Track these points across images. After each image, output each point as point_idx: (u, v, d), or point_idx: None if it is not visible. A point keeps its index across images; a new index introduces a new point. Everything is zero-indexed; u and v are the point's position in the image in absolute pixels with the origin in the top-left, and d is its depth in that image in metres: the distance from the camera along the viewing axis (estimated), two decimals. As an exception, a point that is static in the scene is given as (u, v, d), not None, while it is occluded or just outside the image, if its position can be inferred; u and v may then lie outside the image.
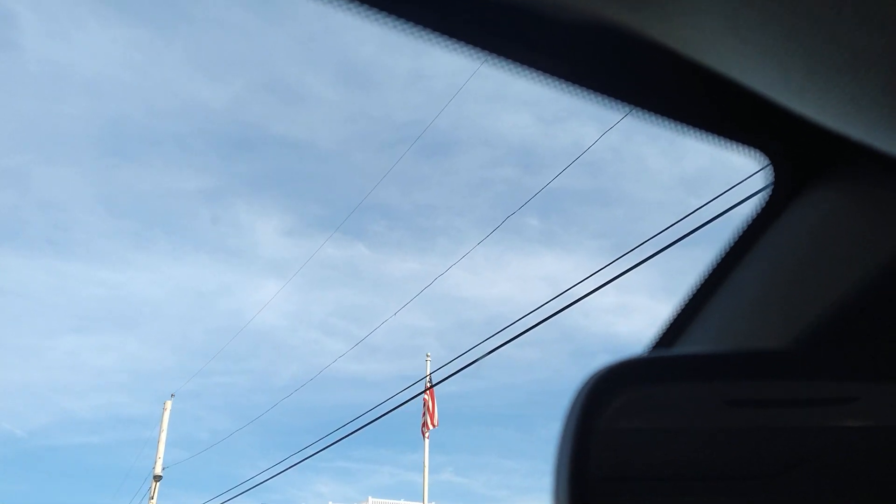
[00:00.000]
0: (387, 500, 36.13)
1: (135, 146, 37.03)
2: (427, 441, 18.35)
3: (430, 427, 18.06)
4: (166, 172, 36.51)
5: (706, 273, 0.98)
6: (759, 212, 0.93)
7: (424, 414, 18.18)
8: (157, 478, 26.37)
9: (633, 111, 0.83)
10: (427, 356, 18.52)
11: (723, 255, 0.96)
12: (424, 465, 18.11)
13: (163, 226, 39.49)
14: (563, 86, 0.79)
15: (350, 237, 38.43)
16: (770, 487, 0.68)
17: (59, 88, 35.21)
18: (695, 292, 0.99)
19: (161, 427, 27.44)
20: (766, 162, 0.91)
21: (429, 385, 16.83)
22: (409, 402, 11.68)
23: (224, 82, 34.73)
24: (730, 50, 0.65)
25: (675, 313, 1.00)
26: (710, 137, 0.87)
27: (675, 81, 0.80)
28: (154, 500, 26.33)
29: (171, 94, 34.38)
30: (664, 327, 1.01)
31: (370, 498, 35.38)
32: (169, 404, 27.68)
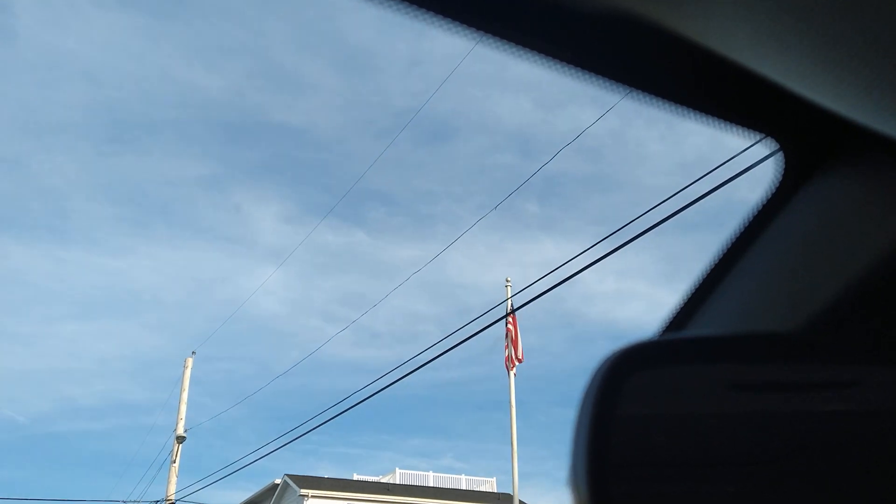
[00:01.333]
0: (414, 472, 34.24)
1: (133, 133, 36.63)
2: (513, 377, 16.15)
3: (516, 362, 15.89)
4: (165, 160, 35.89)
5: (716, 257, 0.99)
6: (768, 197, 0.94)
7: (508, 346, 16.05)
8: (181, 439, 24.30)
9: (645, 98, 0.83)
10: (507, 281, 16.44)
11: (732, 240, 0.97)
12: (511, 406, 15.82)
13: (162, 213, 39.04)
14: (574, 72, 0.79)
15: (350, 224, 38.16)
16: (780, 470, 0.69)
17: (57, 76, 34.29)
18: (705, 276, 1.00)
19: (182, 386, 25.44)
20: (777, 148, 0.91)
21: (510, 310, 14.65)
22: (472, 337, 9.67)
23: (222, 69, 33.96)
24: (743, 38, 0.66)
25: (684, 297, 1.01)
26: (721, 124, 0.87)
27: (686, 68, 0.81)
28: (176, 464, 24.25)
29: (170, 81, 33.57)
30: (674, 311, 1.01)
31: (397, 469, 33.52)
32: (190, 362, 25.65)
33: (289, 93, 36.44)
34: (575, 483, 0.66)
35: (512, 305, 14.70)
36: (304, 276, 37.90)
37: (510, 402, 15.92)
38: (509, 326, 15.81)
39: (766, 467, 0.69)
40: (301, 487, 29.75)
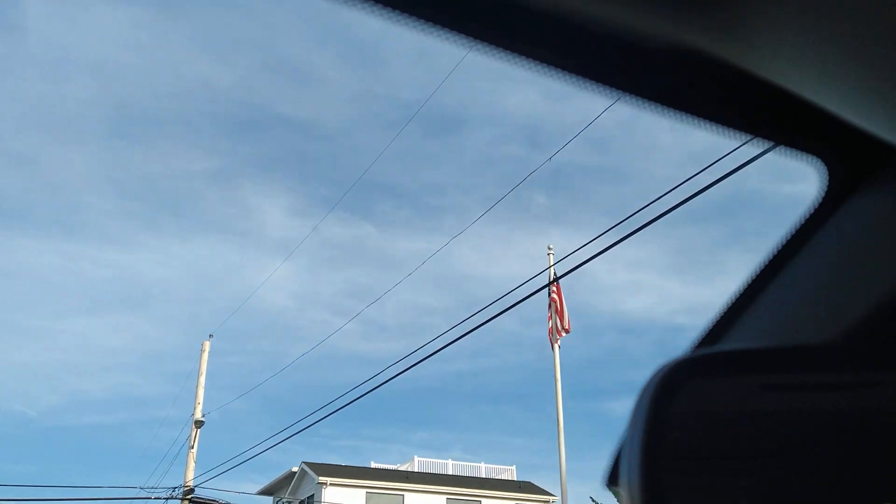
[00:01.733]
0: (433, 460, 33.59)
1: (142, 128, 36.50)
2: (558, 349, 15.17)
3: (562, 332, 14.97)
4: (173, 154, 35.77)
5: (757, 268, 1.02)
6: (810, 211, 0.97)
7: (551, 317, 15.15)
8: (199, 423, 23.61)
9: (691, 121, 0.86)
10: (549, 249, 15.62)
11: (774, 252, 1.00)
12: (556, 380, 14.76)
13: (171, 207, 39.02)
14: (620, 96, 0.83)
15: (358, 217, 38.04)
16: (815, 464, 0.76)
17: (65, 71, 34.00)
18: (745, 287, 1.03)
19: (200, 370, 24.78)
20: (820, 165, 0.94)
21: (554, 278, 13.83)
22: (523, 301, 8.98)
23: (229, 63, 33.75)
24: (789, 65, 0.71)
25: (725, 307, 1.04)
26: (761, 143, 0.91)
27: (731, 92, 0.84)
28: (195, 449, 23.56)
29: (177, 75, 33.33)
30: (713, 321, 1.05)
31: (416, 457, 32.87)
32: (207, 345, 24.99)
33: (296, 86, 36.14)
34: (628, 475, 0.73)
35: (555, 273, 13.92)
36: (313, 270, 37.75)
37: (555, 377, 14.93)
38: (553, 296, 14.99)
39: (803, 461, 0.76)
40: (319, 475, 29.06)
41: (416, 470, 32.57)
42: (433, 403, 49.74)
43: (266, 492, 32.67)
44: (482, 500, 31.36)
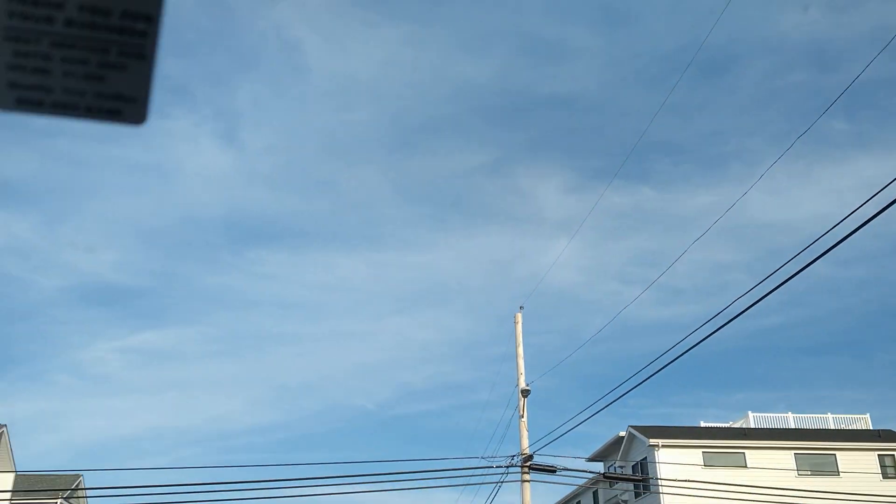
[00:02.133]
0: (769, 415, 30.95)
1: (417, 136, 38.73)
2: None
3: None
4: (449, 154, 37.53)
5: None
6: None
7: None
8: (525, 392, 24.04)
9: None
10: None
11: None
12: None
13: (455, 205, 41.08)
14: None
15: (634, 182, 36.28)
16: None
17: (347, 98, 37.29)
18: None
19: (517, 341, 25.24)
20: None
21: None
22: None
23: (486, 55, 34.20)
24: None
25: None
26: None
27: None
28: (524, 418, 24.01)
29: (441, 79, 34.83)
30: None
31: (750, 413, 30.57)
32: (520, 317, 25.39)
33: (553, 63, 35.92)
34: None
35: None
36: (597, 243, 37.31)
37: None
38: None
39: None
40: (650, 438, 28.12)
41: (751, 426, 30.26)
42: (746, 363, 46.45)
43: (595, 458, 32.59)
44: (836, 452, 28.19)
